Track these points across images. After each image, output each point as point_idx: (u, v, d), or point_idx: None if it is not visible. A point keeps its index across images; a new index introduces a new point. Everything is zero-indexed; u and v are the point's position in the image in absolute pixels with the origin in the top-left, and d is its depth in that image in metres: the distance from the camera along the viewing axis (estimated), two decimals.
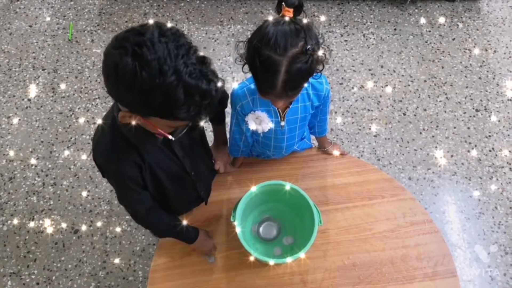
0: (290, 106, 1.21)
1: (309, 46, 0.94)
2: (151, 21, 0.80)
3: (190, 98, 0.77)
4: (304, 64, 0.95)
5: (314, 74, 1.03)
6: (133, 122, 0.86)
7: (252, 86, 1.19)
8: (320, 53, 0.99)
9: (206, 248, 1.30)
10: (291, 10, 0.96)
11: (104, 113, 1.04)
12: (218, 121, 1.41)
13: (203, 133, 1.27)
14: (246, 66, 1.03)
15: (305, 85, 1.03)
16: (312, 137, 1.52)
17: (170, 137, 0.91)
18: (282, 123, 1.24)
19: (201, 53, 0.80)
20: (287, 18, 0.96)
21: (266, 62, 0.95)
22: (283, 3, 0.97)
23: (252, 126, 1.21)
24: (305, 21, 0.98)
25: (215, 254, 1.31)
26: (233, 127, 1.31)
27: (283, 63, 0.94)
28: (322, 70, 1.04)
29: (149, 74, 0.74)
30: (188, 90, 0.76)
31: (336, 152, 1.47)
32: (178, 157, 1.10)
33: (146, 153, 1.00)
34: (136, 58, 0.74)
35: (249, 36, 1.02)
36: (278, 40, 0.93)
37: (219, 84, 0.82)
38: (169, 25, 0.80)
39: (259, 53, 0.95)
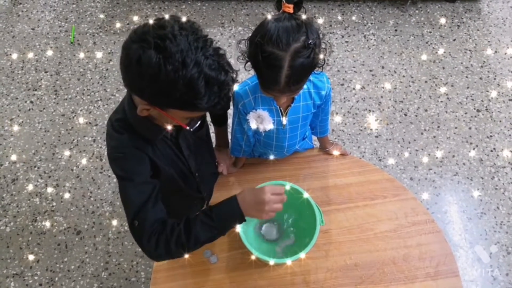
0: (292, 105, 1.21)
1: (310, 41, 0.95)
2: (166, 16, 0.83)
3: (210, 89, 0.80)
4: (307, 59, 0.96)
5: (316, 71, 1.04)
6: (151, 114, 0.88)
7: (254, 84, 1.19)
8: (322, 47, 1.00)
9: (259, 202, 0.96)
10: (291, 6, 0.98)
11: (106, 115, 1.05)
12: (220, 123, 1.41)
13: (209, 135, 1.28)
14: (249, 64, 1.04)
15: (310, 77, 1.04)
16: (314, 137, 1.53)
17: (187, 127, 0.92)
18: (284, 122, 1.25)
19: (216, 45, 0.83)
20: (287, 14, 0.97)
21: (269, 58, 0.96)
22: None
23: (253, 125, 1.22)
24: (304, 16, 0.99)
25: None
26: (235, 126, 1.31)
27: (286, 58, 0.95)
28: (324, 65, 1.04)
29: (173, 66, 0.76)
30: (209, 81, 0.79)
31: (337, 153, 1.48)
32: (184, 156, 1.11)
33: (155, 146, 1.01)
34: (159, 51, 0.76)
35: (251, 34, 1.02)
36: (280, 36, 0.94)
37: (234, 75, 0.85)
38: (184, 18, 0.82)
39: (261, 50, 0.96)
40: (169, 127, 0.92)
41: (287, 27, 0.95)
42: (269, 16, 0.99)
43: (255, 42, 0.98)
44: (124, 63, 0.81)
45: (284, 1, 0.97)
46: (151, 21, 0.80)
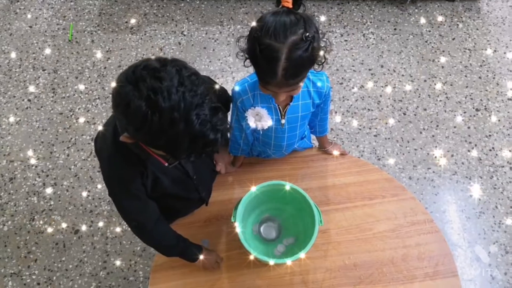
0: (291, 104, 1.21)
1: (308, 34, 0.95)
2: (168, 56, 0.80)
3: (194, 145, 0.79)
4: (305, 52, 0.96)
5: (316, 70, 1.04)
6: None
7: (253, 82, 1.19)
8: (321, 42, 1.00)
9: (210, 263, 1.26)
10: (290, 1, 0.98)
11: (104, 114, 1.05)
12: None
13: None
14: (248, 62, 1.04)
15: (309, 76, 1.03)
16: (312, 136, 1.52)
17: (165, 164, 0.93)
18: (283, 121, 1.24)
19: (214, 103, 0.80)
20: (286, 9, 0.98)
21: (266, 50, 0.96)
22: None
23: (251, 122, 1.21)
24: (304, 12, 0.99)
25: (221, 263, 1.29)
26: (233, 124, 1.31)
27: (283, 50, 0.94)
28: (323, 62, 1.03)
29: (159, 121, 0.74)
30: (195, 139, 0.78)
31: (335, 152, 1.47)
32: (179, 162, 1.10)
33: (147, 159, 1.00)
34: (149, 104, 0.74)
35: (250, 29, 1.02)
36: (278, 28, 0.94)
37: (227, 127, 0.83)
38: (188, 68, 0.80)
39: (259, 42, 0.96)
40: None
41: (285, 21, 0.96)
42: (268, 12, 0.99)
43: (253, 36, 0.98)
44: (115, 98, 0.80)
45: None
46: (153, 59, 0.78)
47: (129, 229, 1.98)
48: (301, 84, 1.06)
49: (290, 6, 0.98)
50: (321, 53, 1.01)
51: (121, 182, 1.01)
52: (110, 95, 2.30)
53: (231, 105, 1.28)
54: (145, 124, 0.75)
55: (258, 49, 0.96)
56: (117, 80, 0.80)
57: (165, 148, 0.82)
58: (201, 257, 1.22)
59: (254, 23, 1.00)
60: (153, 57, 0.80)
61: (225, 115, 0.85)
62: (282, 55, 0.95)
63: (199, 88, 0.78)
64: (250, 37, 1.00)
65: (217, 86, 1.04)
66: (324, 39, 1.02)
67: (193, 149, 0.80)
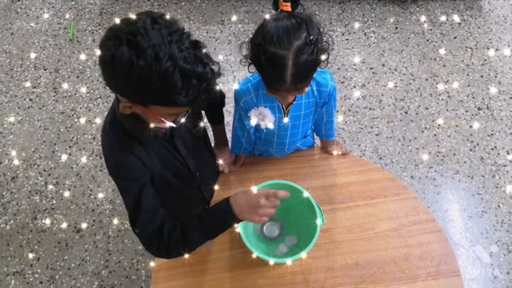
0: (294, 102, 1.21)
1: (312, 37, 0.95)
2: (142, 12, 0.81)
3: (187, 82, 0.78)
4: (310, 55, 0.96)
5: (319, 69, 1.03)
6: (135, 112, 0.87)
7: (256, 81, 1.19)
8: (324, 42, 0.99)
9: (253, 206, 0.96)
10: (289, 4, 0.97)
11: (106, 113, 1.04)
12: (217, 121, 1.41)
13: (206, 133, 1.27)
14: (252, 67, 1.03)
15: (314, 74, 1.03)
16: (314, 135, 1.52)
17: (172, 124, 0.91)
18: (286, 120, 1.24)
19: (194, 38, 0.81)
20: (286, 13, 0.96)
21: (272, 58, 0.95)
22: None
23: (255, 122, 1.22)
24: (303, 12, 0.98)
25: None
26: (236, 123, 1.31)
27: (289, 56, 0.94)
28: (328, 59, 1.03)
29: (145, 61, 0.75)
30: (185, 74, 0.77)
31: (335, 152, 1.47)
32: (181, 155, 1.10)
33: (149, 147, 1.00)
34: (131, 46, 0.75)
35: (251, 36, 1.02)
36: (281, 35, 0.94)
37: (215, 67, 0.83)
38: (160, 13, 0.81)
39: (263, 51, 0.96)
40: (153, 125, 0.90)
41: (287, 26, 0.95)
42: (268, 16, 0.98)
43: (257, 44, 0.97)
44: (101, 62, 0.80)
45: (282, 0, 0.97)
46: (125, 17, 0.79)
47: (131, 227, 2.00)
48: (310, 83, 1.06)
49: (290, 9, 0.97)
50: (324, 56, 1.01)
51: (118, 167, 0.99)
52: (109, 91, 2.30)
53: (232, 105, 1.29)
54: (133, 69, 0.75)
55: (264, 58, 0.96)
56: (99, 45, 0.80)
57: (161, 95, 0.79)
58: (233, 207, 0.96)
59: (255, 30, 0.99)
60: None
61: (209, 55, 0.83)
62: (289, 61, 0.94)
63: (174, 26, 0.80)
64: (253, 45, 1.00)
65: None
66: (326, 37, 1.02)
67: (188, 86, 0.78)
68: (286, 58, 0.94)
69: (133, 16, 0.79)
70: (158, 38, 0.76)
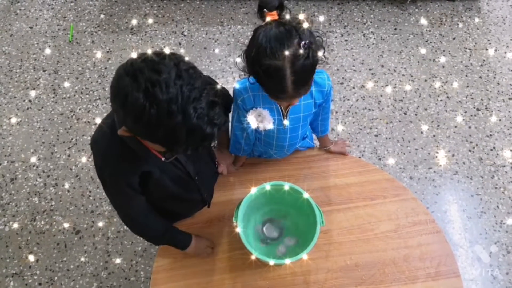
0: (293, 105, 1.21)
1: (303, 42, 0.94)
2: (166, 50, 0.80)
3: (191, 139, 0.79)
4: (306, 60, 0.95)
5: (317, 69, 1.03)
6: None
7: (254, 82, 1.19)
8: (317, 42, 0.99)
9: (200, 248, 1.28)
10: (275, 12, 0.96)
11: (105, 114, 1.04)
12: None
13: None
14: (252, 77, 1.04)
15: (313, 76, 1.03)
16: (314, 136, 1.52)
17: (162, 158, 0.93)
18: (285, 122, 1.24)
19: (212, 98, 0.81)
20: (274, 22, 0.96)
21: (269, 70, 0.95)
22: (264, 9, 0.97)
23: (253, 123, 1.21)
24: (288, 16, 0.97)
25: (215, 247, 1.30)
26: (234, 123, 1.30)
27: (286, 66, 0.94)
28: (324, 54, 1.02)
29: (157, 113, 0.75)
30: (192, 132, 0.78)
31: (336, 149, 1.47)
32: (180, 162, 1.10)
33: (146, 157, 1.00)
34: (147, 96, 0.74)
35: (245, 49, 1.01)
36: (273, 46, 0.93)
37: (224, 121, 0.84)
38: (186, 62, 0.80)
39: (259, 64, 0.95)
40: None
41: (277, 35, 0.94)
42: (258, 29, 0.97)
43: (251, 58, 0.97)
44: (113, 91, 0.80)
45: (266, 10, 0.96)
46: (149, 52, 0.78)
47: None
48: (311, 84, 1.06)
49: (276, 17, 0.97)
50: (321, 52, 1.00)
51: (112, 176, 1.01)
52: (108, 92, 2.31)
53: (232, 106, 1.28)
54: (143, 116, 0.75)
55: (261, 71, 0.96)
56: (115, 72, 0.80)
57: (163, 141, 0.82)
58: (193, 242, 1.25)
59: (248, 43, 0.98)
60: (150, 51, 0.80)
61: (223, 110, 0.84)
62: (287, 71, 0.94)
63: (197, 82, 0.79)
64: (248, 59, 0.99)
65: (218, 86, 1.04)
66: (319, 36, 1.00)
67: (190, 142, 0.80)
68: (283, 68, 0.94)
69: (158, 57, 0.77)
70: (177, 94, 0.75)
